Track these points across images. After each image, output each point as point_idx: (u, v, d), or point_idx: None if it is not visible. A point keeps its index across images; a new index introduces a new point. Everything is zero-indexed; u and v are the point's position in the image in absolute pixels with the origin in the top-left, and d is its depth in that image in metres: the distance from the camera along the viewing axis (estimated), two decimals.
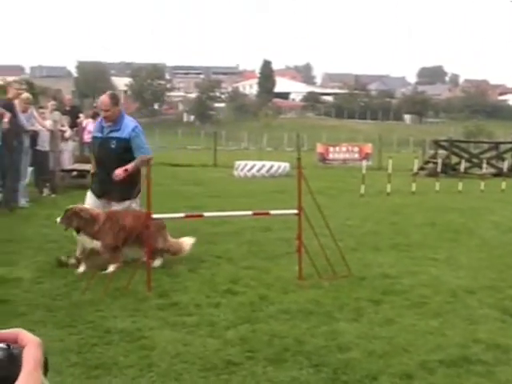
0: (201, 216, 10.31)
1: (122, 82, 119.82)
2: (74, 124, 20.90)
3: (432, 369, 5.56)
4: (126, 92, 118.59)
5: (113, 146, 9.33)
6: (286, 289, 8.14)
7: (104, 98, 9.46)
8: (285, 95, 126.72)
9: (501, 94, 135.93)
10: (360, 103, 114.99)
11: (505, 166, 28.95)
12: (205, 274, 8.88)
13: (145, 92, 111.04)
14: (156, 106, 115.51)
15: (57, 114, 18.77)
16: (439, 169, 24.54)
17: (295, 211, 8.86)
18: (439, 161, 26.24)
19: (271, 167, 27.62)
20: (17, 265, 8.88)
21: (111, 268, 8.71)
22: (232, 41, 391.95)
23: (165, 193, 17.09)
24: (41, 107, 18.89)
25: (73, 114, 21.36)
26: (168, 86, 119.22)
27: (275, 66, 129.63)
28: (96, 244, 8.79)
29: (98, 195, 9.54)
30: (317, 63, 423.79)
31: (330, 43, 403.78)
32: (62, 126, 18.90)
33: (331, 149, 35.52)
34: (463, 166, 26.94)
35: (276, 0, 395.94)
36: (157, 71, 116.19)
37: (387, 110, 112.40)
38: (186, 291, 7.96)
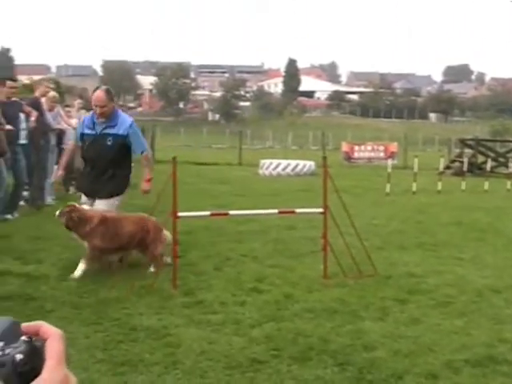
0: (226, 214, 10.31)
1: (147, 81, 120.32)
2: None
3: (457, 368, 5.53)
4: (150, 91, 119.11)
5: (109, 143, 8.90)
6: (311, 287, 8.13)
7: (99, 94, 8.91)
8: (310, 94, 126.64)
9: None
10: (385, 102, 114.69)
11: None
12: (230, 273, 8.89)
13: (170, 91, 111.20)
14: (181, 105, 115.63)
15: (83, 112, 18.85)
16: (465, 168, 24.40)
17: (321, 210, 8.84)
18: (465, 160, 26.12)
19: (296, 166, 27.57)
20: (44, 262, 8.93)
21: (80, 267, 8.33)
22: (257, 39, 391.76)
23: (190, 191, 17.12)
24: (67, 106, 18.96)
25: None
26: (193, 84, 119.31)
27: (300, 65, 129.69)
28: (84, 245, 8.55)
29: (88, 194, 9.16)
30: (342, 62, 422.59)
31: (356, 41, 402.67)
32: None
33: (356, 147, 35.46)
34: (489, 164, 26.72)
35: None
36: (182, 70, 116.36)
37: (413, 108, 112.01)
38: (212, 289, 7.97)
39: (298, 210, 9.81)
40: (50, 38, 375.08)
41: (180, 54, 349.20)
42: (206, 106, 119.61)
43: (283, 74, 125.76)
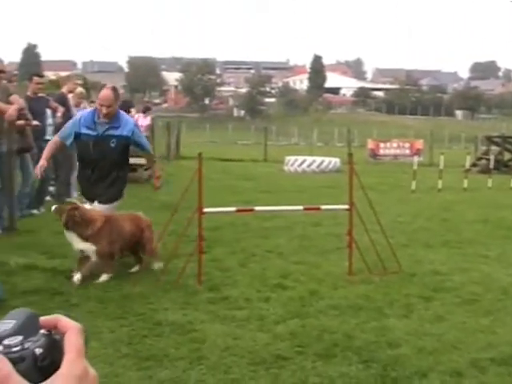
0: (252, 210, 10.32)
1: (172, 77, 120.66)
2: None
3: (483, 367, 5.50)
4: (176, 87, 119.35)
5: (112, 145, 8.32)
6: (336, 284, 8.12)
7: (108, 93, 8.34)
8: (335, 90, 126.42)
9: None
10: (411, 99, 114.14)
11: None
12: (255, 269, 8.89)
13: (195, 87, 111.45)
14: (206, 101, 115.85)
15: None
16: (491, 165, 24.25)
17: (346, 206, 8.83)
18: (492, 157, 25.94)
19: (322, 162, 27.52)
20: (69, 257, 8.95)
21: (104, 277, 7.99)
22: (282, 36, 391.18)
23: (216, 187, 17.14)
24: (93, 102, 19.03)
25: (124, 108, 21.44)
26: (218, 80, 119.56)
27: (326, 61, 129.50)
28: (85, 246, 8.03)
29: (87, 198, 8.62)
30: (368, 58, 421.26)
31: (381, 38, 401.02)
32: None
33: (382, 144, 35.37)
34: None
35: None
36: (207, 66, 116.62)
37: (438, 105, 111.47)
38: (237, 285, 7.98)
39: (323, 207, 9.79)
40: (77, 34, 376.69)
41: (206, 50, 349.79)
42: (231, 102, 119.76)
43: (309, 70, 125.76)
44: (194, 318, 6.66)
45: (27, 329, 0.94)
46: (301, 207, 10.18)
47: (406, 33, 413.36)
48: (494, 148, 30.01)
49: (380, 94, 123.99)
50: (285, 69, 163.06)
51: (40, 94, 13.24)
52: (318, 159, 27.93)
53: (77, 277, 7.81)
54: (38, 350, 0.92)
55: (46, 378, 0.91)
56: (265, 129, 39.62)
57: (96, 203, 8.46)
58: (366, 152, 34.75)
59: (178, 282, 7.81)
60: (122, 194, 8.69)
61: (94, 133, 8.30)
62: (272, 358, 5.59)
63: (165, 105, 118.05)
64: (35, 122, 11.90)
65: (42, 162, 8.39)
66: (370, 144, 35.79)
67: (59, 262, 8.78)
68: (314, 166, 27.22)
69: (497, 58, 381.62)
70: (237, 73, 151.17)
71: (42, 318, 0.97)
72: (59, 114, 13.41)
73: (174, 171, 21.82)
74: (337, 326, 6.49)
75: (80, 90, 15.37)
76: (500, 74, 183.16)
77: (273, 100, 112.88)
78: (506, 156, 29.22)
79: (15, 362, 0.89)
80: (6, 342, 0.92)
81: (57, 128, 13.22)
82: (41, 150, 12.35)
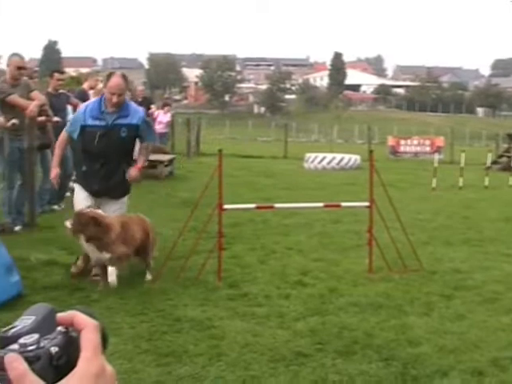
0: (272, 207, 10.30)
1: (192, 74, 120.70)
2: (145, 115, 21.10)
3: (504, 366, 5.47)
4: (196, 83, 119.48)
5: (123, 135, 7.89)
6: (356, 281, 8.11)
7: (119, 81, 7.81)
8: (356, 87, 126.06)
9: None
10: (432, 96, 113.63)
11: None
12: (275, 266, 8.89)
13: (215, 83, 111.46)
14: (226, 98, 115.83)
15: None
16: None
17: (366, 204, 8.80)
18: None
19: (342, 159, 27.42)
20: None
21: (113, 276, 7.60)
22: (302, 33, 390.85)
23: (236, 184, 17.13)
24: None
25: (145, 105, 21.53)
26: (238, 77, 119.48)
27: (346, 58, 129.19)
28: (104, 256, 7.53)
29: (97, 195, 8.10)
30: (388, 55, 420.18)
31: (402, 35, 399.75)
32: None
33: (402, 142, 35.23)
34: None
35: None
36: (227, 63, 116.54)
37: (459, 102, 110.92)
38: (256, 282, 7.98)
39: (343, 204, 9.79)
40: (97, 30, 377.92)
41: (226, 47, 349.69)
42: (251, 98, 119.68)
43: (329, 67, 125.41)
44: (213, 314, 6.67)
45: (45, 326, 0.94)
46: (321, 204, 10.17)
47: (427, 30, 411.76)
48: None
49: (400, 91, 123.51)
50: (305, 66, 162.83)
51: (61, 91, 13.28)
52: (338, 156, 27.83)
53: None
54: (54, 349, 0.92)
55: (62, 376, 0.91)
56: (285, 125, 39.58)
57: (108, 201, 8.12)
58: (387, 149, 34.63)
59: (197, 279, 7.83)
60: (130, 189, 8.35)
61: (102, 123, 7.86)
62: (292, 355, 5.59)
63: (185, 101, 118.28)
64: (56, 119, 11.95)
65: (55, 171, 8.18)
66: (391, 141, 35.67)
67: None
68: (334, 163, 27.13)
69: None
70: (257, 69, 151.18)
71: (59, 315, 0.97)
72: None
73: (194, 168, 21.87)
74: (357, 324, 6.48)
75: (101, 86, 15.40)
76: None
77: (293, 97, 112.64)
78: None
79: (31, 361, 0.89)
80: (22, 340, 0.91)
81: None
82: None
